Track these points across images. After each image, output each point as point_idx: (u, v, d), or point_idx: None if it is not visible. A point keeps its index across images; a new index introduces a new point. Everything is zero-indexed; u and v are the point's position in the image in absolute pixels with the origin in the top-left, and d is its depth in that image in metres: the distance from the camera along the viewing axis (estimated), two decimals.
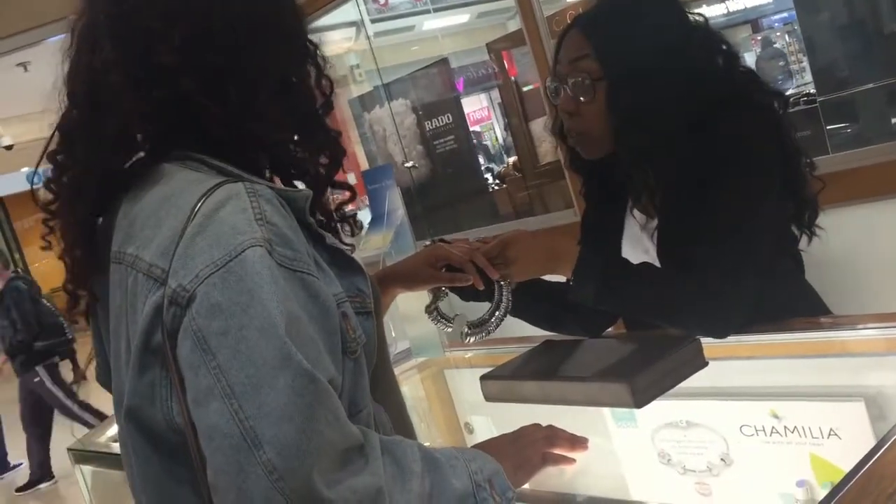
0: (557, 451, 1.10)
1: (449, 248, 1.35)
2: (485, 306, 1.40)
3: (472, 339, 1.37)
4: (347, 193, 1.02)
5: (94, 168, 0.91)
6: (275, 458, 0.71)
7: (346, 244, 0.96)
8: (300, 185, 0.97)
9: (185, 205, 0.82)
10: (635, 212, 1.49)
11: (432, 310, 1.40)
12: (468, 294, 1.41)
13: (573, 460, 1.12)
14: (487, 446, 1.02)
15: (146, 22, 0.87)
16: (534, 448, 1.07)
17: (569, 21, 1.52)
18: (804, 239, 1.47)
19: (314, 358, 0.76)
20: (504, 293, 1.35)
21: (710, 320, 1.27)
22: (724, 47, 1.43)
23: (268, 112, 0.89)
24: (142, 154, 0.92)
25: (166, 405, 0.81)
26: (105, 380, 1.01)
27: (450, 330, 1.41)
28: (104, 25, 0.89)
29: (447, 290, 1.39)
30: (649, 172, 1.39)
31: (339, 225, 0.99)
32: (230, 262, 0.77)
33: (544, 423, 1.57)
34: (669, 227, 1.40)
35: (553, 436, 1.11)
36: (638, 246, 1.49)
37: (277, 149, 0.92)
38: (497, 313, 1.35)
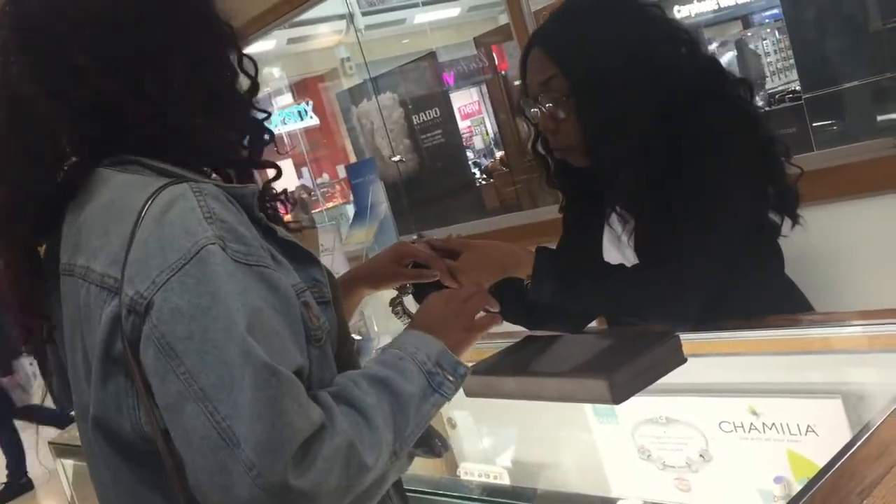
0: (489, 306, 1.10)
1: (413, 245, 1.35)
2: None
3: None
4: (273, 171, 1.00)
5: (27, 186, 0.89)
6: (251, 454, 0.71)
7: (291, 227, 0.96)
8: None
9: (131, 210, 0.81)
10: (613, 222, 1.49)
11: (396, 304, 1.41)
12: (424, 295, 1.42)
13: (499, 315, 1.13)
14: (426, 323, 1.00)
15: (53, 28, 0.86)
16: (471, 309, 1.07)
17: None
18: (788, 226, 1.46)
19: (278, 349, 0.76)
20: None
21: (666, 310, 1.30)
22: (685, 37, 1.43)
23: (183, 96, 0.88)
24: (74, 160, 0.89)
25: (133, 414, 0.81)
26: (61, 393, 0.99)
27: None
28: (11, 40, 0.88)
29: (411, 287, 1.39)
30: (628, 180, 1.39)
31: (276, 206, 0.98)
32: (186, 265, 0.76)
33: (527, 419, 1.57)
34: (643, 228, 1.41)
35: (481, 290, 1.11)
36: (618, 254, 1.50)
37: (197, 134, 0.90)
38: None
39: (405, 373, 0.89)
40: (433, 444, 0.97)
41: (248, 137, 0.96)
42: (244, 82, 0.95)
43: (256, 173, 0.99)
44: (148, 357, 0.76)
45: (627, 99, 1.33)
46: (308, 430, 0.74)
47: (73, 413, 0.95)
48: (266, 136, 0.97)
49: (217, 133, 0.91)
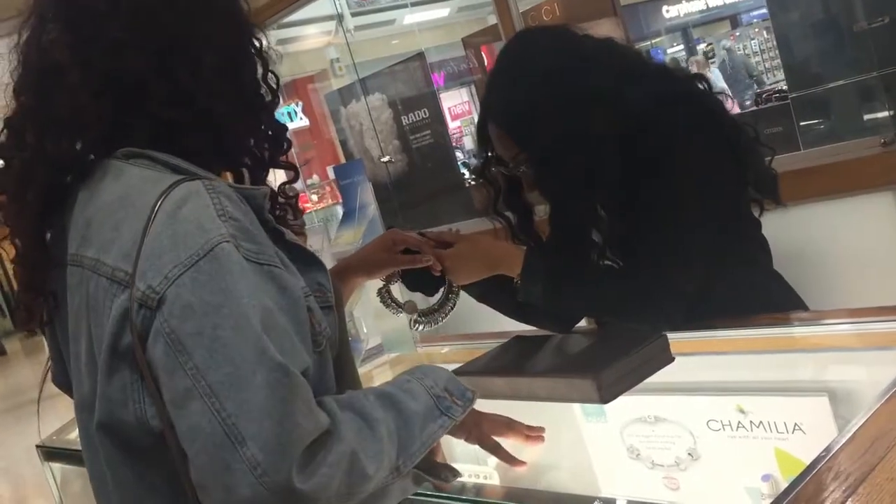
0: (512, 440, 1.16)
1: (404, 232, 1.37)
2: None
3: (422, 328, 1.40)
4: (291, 173, 1.02)
5: (44, 151, 0.89)
6: (257, 453, 0.71)
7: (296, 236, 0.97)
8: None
9: (144, 205, 0.81)
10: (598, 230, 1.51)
11: (384, 292, 1.42)
12: (414, 283, 1.43)
13: (522, 462, 1.17)
14: None
15: (92, 3, 0.88)
16: (491, 425, 1.13)
17: (544, 17, 1.54)
18: (779, 220, 1.47)
19: (288, 349, 0.77)
20: (454, 286, 1.39)
21: (648, 314, 1.32)
22: (629, 58, 1.45)
23: (216, 89, 0.89)
24: (90, 140, 0.91)
25: (139, 408, 0.80)
26: (62, 381, 1.00)
27: (400, 315, 1.44)
28: (51, 10, 0.90)
29: (398, 275, 1.41)
30: (608, 221, 1.43)
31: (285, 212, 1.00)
32: (199, 262, 0.76)
33: (516, 417, 1.59)
34: (627, 232, 1.43)
35: (512, 424, 1.16)
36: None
37: (225, 126, 0.92)
38: (447, 305, 1.38)
39: (411, 392, 0.91)
40: (443, 473, 0.98)
41: (271, 138, 0.97)
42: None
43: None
44: (157, 352, 0.76)
45: (593, 162, 1.35)
46: (314, 434, 0.75)
47: None
48: (286, 141, 0.99)
49: (243, 124, 0.93)
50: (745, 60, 7.94)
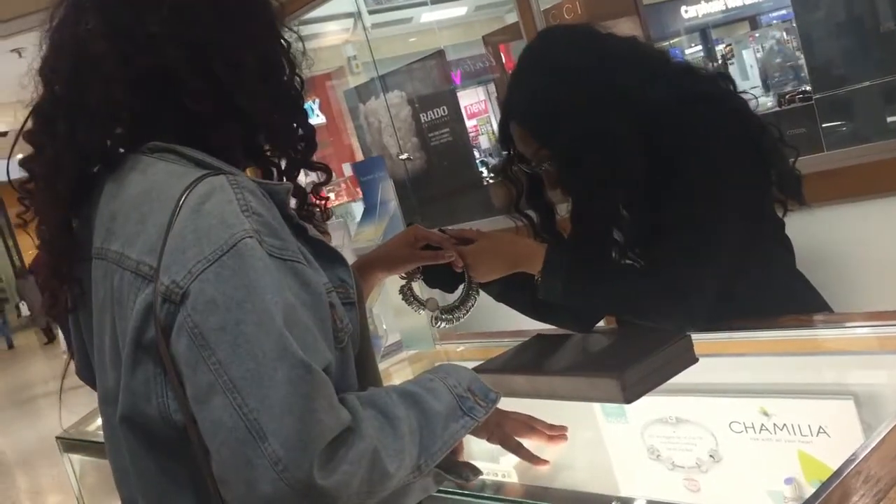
0: (535, 440, 1.15)
1: (426, 229, 1.38)
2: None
3: (443, 325, 1.40)
4: (324, 175, 1.03)
5: (76, 141, 0.90)
6: (279, 449, 0.71)
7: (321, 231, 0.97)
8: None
9: (168, 199, 0.82)
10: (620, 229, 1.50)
11: (406, 289, 1.42)
12: (435, 280, 1.43)
13: (544, 461, 1.16)
14: None
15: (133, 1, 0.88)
16: (513, 425, 1.13)
17: (565, 15, 1.53)
18: (802, 222, 1.46)
19: (310, 345, 0.77)
20: (474, 283, 1.39)
21: (671, 314, 1.30)
22: (651, 56, 1.44)
23: (255, 89, 0.90)
24: (119, 132, 0.91)
25: (162, 402, 0.81)
26: (86, 374, 1.00)
27: (422, 312, 1.44)
28: (89, 1, 0.90)
29: (420, 272, 1.41)
30: (631, 221, 1.43)
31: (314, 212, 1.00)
32: (222, 256, 0.77)
33: (535, 415, 1.60)
34: (649, 231, 1.42)
35: (534, 424, 1.16)
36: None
37: (254, 124, 0.92)
38: (468, 302, 1.38)
39: (434, 392, 0.91)
40: (464, 472, 0.98)
41: (301, 138, 0.98)
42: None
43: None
44: (181, 346, 0.76)
45: (616, 160, 1.34)
46: (336, 430, 0.75)
47: None
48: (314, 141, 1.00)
49: (273, 123, 0.94)
50: (787, 55, 7.76)
